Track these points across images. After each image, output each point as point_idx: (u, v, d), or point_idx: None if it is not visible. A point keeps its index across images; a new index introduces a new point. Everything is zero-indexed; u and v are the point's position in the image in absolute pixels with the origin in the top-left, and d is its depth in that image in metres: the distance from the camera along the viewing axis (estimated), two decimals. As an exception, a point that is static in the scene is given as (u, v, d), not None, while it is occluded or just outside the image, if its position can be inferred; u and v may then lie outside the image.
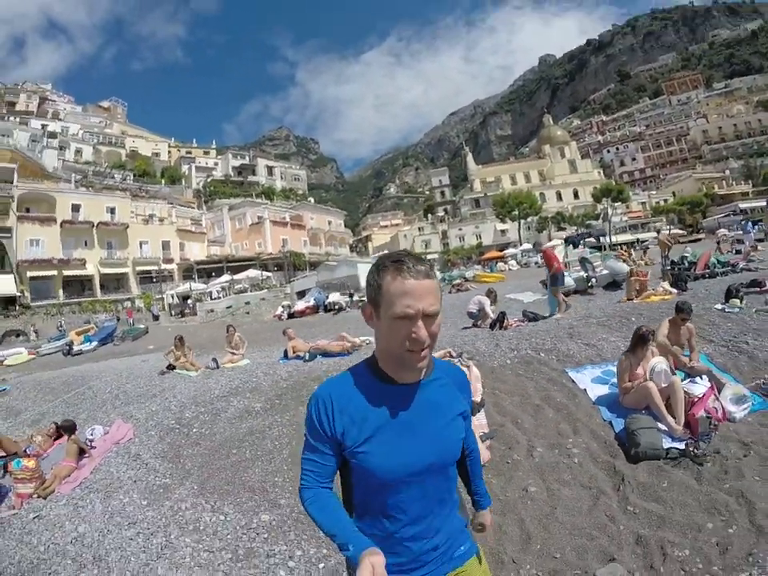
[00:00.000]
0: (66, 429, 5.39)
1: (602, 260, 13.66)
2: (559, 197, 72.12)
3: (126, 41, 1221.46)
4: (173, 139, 75.48)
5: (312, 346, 8.59)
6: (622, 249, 27.45)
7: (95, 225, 38.85)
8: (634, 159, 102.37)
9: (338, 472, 1.34)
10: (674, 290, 9.86)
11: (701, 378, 4.42)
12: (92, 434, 5.81)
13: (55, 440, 6.16)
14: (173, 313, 31.64)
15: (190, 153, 71.99)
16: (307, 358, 8.24)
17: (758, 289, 8.28)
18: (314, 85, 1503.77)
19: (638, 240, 47.25)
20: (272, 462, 4.40)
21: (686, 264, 13.91)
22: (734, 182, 71.85)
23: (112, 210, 41.18)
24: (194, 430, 5.34)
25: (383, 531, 1.29)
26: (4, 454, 5.39)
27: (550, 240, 37.42)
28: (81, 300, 34.47)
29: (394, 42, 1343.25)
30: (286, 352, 8.96)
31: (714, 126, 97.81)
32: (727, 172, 76.11)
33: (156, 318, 30.96)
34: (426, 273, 1.20)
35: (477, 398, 4.45)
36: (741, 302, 7.39)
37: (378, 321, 1.25)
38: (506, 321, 8.49)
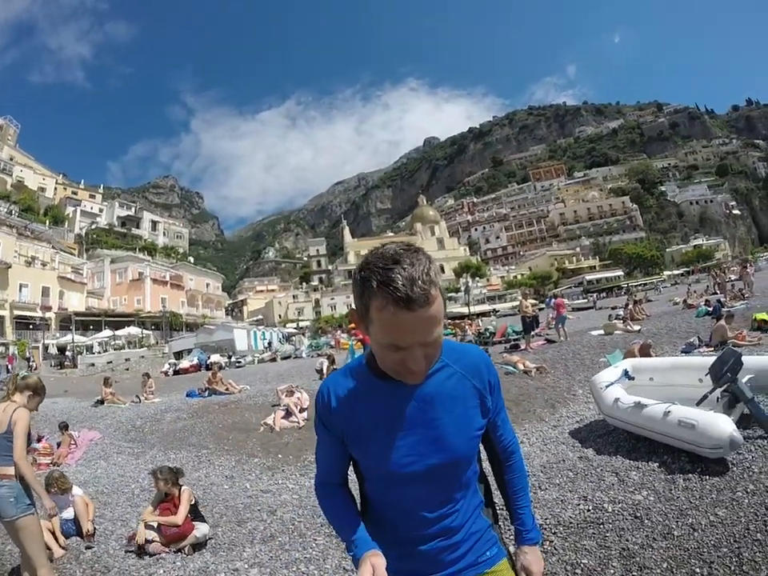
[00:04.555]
0: (63, 427, 8.81)
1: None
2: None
3: (32, 47, 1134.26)
4: (61, 176, 73.66)
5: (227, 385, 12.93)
6: (466, 320, 34.14)
7: (-24, 261, 37.08)
8: (498, 237, 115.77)
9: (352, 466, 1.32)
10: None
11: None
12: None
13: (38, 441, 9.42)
14: (52, 363, 32.10)
15: (76, 193, 71.04)
16: (206, 395, 12.39)
17: (514, 350, 13.87)
18: (207, 135, 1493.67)
19: (493, 310, 55.65)
20: (200, 435, 8.53)
21: (488, 334, 19.74)
22: (582, 258, 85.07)
23: (-6, 246, 39.47)
24: (146, 429, 9.23)
25: (395, 531, 1.24)
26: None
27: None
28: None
29: (293, 105, 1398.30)
30: (188, 392, 12.97)
31: (570, 210, 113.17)
32: (578, 249, 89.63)
33: (30, 367, 31.08)
34: (426, 297, 0.95)
35: (305, 407, 9.10)
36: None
37: (367, 332, 1.07)
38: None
